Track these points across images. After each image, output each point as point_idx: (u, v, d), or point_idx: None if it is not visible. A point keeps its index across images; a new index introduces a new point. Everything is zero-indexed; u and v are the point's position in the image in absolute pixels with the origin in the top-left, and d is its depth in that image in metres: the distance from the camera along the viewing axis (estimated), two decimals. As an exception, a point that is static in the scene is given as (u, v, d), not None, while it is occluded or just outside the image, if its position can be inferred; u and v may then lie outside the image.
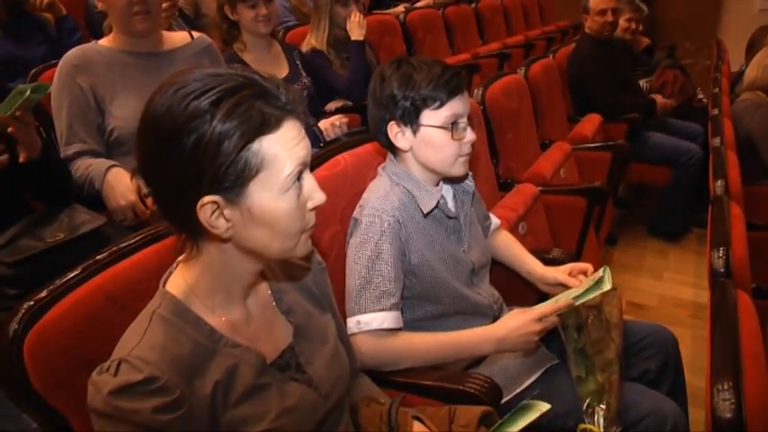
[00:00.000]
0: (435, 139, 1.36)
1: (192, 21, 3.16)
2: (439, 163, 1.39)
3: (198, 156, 0.79)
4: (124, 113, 1.77)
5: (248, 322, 0.96)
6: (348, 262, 1.36)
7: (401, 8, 4.30)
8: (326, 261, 1.18)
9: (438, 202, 1.40)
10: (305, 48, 2.80)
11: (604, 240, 3.23)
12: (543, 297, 1.67)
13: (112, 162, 1.72)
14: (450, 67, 1.38)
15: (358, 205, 1.41)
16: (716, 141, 2.50)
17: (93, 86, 1.77)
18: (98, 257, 1.06)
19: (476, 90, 2.40)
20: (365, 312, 1.31)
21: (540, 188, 2.26)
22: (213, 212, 0.83)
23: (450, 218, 1.45)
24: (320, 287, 1.12)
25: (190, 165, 0.80)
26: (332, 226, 1.47)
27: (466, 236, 1.49)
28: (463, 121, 1.37)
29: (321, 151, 1.58)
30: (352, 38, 2.75)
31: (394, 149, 1.43)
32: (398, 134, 1.38)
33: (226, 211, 0.83)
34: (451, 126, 1.35)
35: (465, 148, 1.38)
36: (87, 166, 1.72)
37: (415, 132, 1.37)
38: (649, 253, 3.45)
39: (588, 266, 1.52)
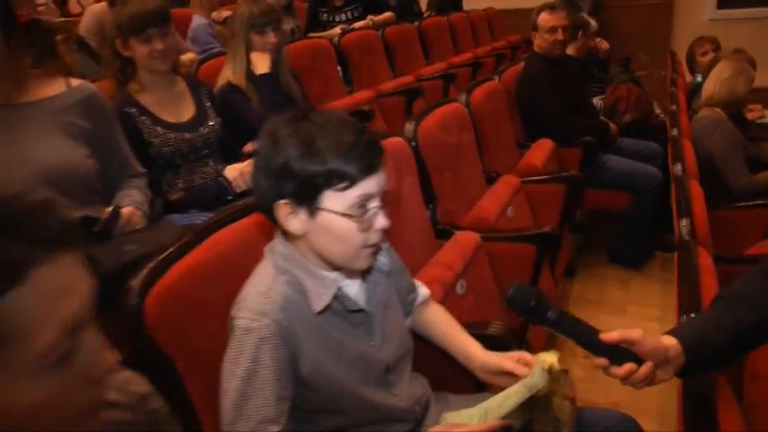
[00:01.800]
0: (337, 227, 1.05)
1: (96, 53, 2.82)
2: (338, 255, 1.10)
3: None
4: None
5: None
6: (221, 379, 1.06)
7: (338, 30, 4.02)
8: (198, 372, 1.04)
9: (335, 294, 1.11)
10: (221, 81, 2.50)
11: (562, 274, 2.98)
12: (482, 384, 1.40)
13: None
14: (364, 134, 1.05)
15: (235, 300, 1.11)
16: (677, 169, 2.29)
17: None
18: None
19: (407, 125, 2.12)
20: (241, 445, 1.01)
21: (482, 235, 1.98)
22: None
23: (353, 312, 1.16)
24: None
25: None
26: (206, 325, 1.16)
27: (378, 327, 1.19)
28: (374, 205, 1.06)
29: (198, 228, 1.25)
30: (257, 72, 2.47)
31: (283, 230, 1.13)
32: (290, 216, 1.07)
33: None
34: (359, 211, 1.05)
35: (373, 237, 1.08)
36: None
37: (311, 214, 1.06)
38: (610, 283, 3.22)
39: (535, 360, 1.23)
